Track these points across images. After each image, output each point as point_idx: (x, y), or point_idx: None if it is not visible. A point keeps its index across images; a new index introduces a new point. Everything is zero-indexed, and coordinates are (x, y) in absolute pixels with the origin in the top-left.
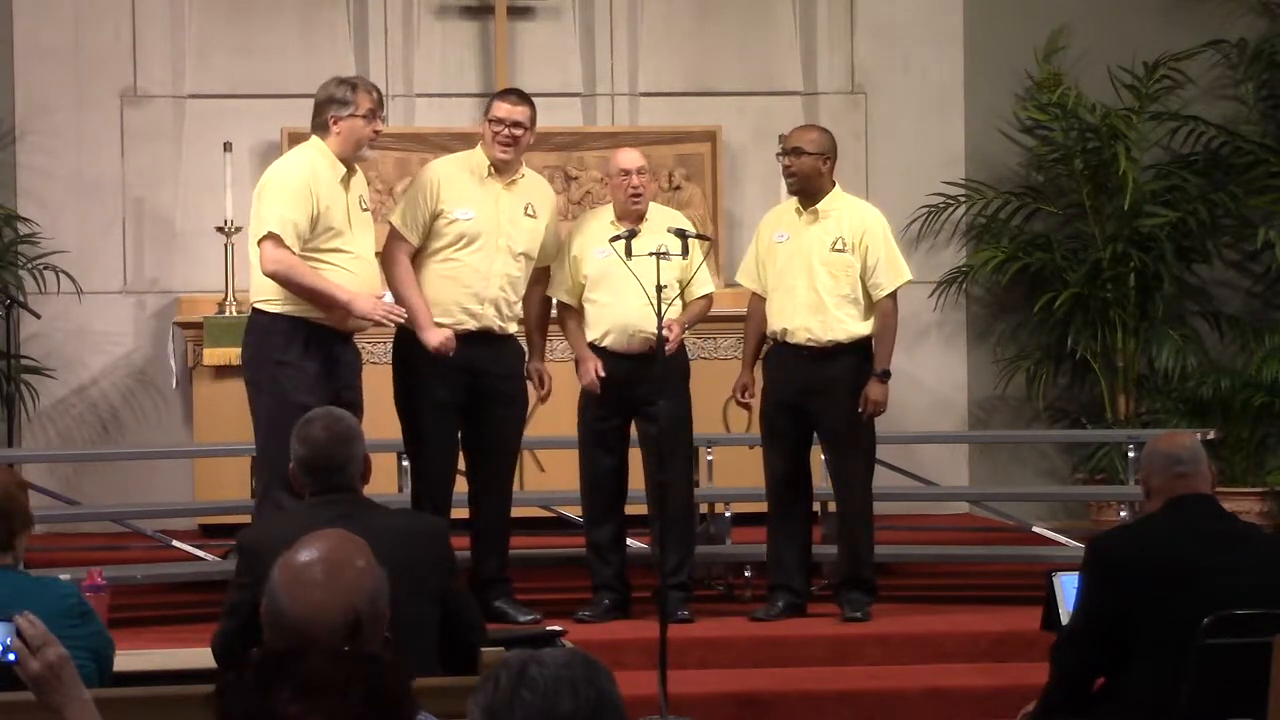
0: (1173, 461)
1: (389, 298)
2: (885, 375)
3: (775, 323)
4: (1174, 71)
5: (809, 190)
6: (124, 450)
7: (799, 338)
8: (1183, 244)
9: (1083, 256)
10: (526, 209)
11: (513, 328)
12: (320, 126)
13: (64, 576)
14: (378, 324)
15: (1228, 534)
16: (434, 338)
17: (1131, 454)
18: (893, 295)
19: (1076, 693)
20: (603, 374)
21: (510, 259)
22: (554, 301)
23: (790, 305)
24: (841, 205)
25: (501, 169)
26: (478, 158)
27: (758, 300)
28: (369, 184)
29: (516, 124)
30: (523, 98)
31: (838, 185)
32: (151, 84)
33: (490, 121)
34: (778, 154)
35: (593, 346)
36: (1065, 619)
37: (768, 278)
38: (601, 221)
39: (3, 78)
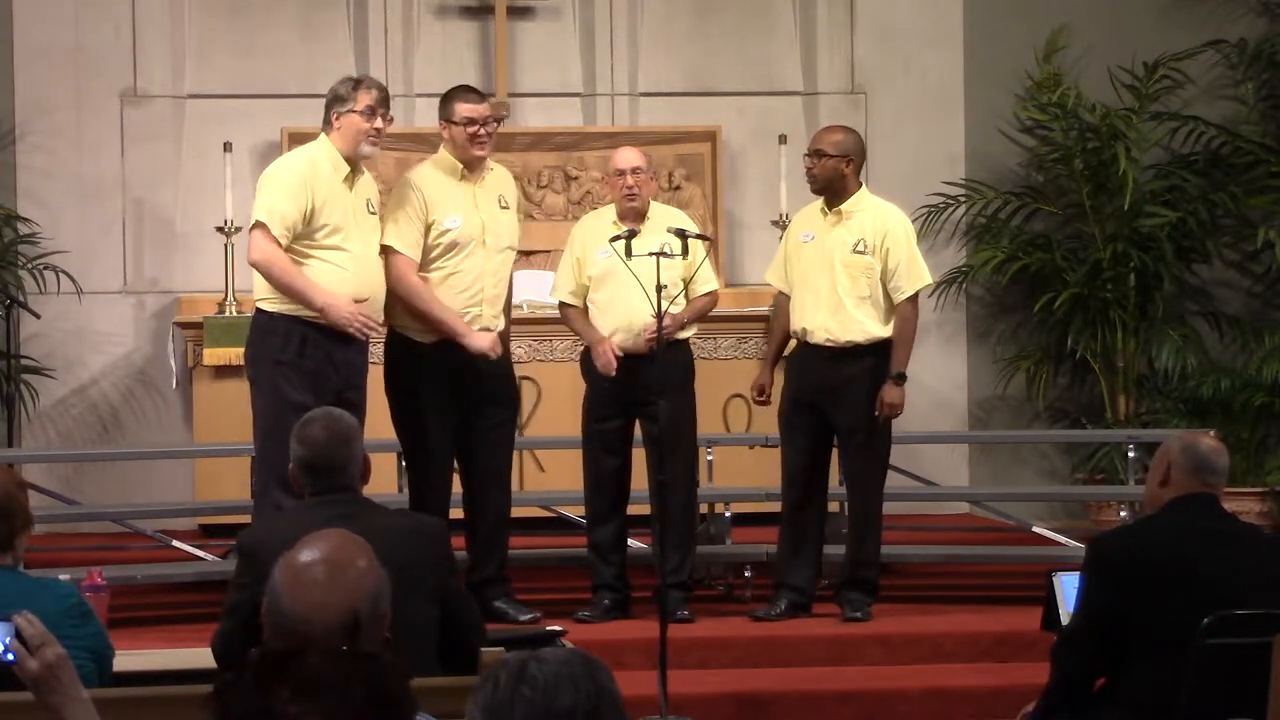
0: (1206, 470)
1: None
2: (901, 378)
3: (796, 322)
4: (1174, 71)
5: (832, 191)
6: (124, 450)
7: (818, 338)
8: (1183, 244)
9: (1083, 256)
10: (500, 201)
11: (501, 324)
12: (326, 124)
13: (64, 576)
14: (351, 333)
15: (1228, 534)
16: (481, 341)
17: (1132, 454)
18: (913, 298)
19: (1077, 693)
20: (620, 352)
21: (497, 255)
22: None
23: (812, 305)
24: (865, 207)
25: (474, 168)
26: (447, 162)
27: (784, 299)
28: None
29: (487, 120)
30: (480, 93)
31: (864, 186)
32: (151, 84)
33: (462, 124)
34: (804, 154)
35: None
36: (1065, 619)
37: (791, 277)
38: (604, 222)
39: (3, 78)
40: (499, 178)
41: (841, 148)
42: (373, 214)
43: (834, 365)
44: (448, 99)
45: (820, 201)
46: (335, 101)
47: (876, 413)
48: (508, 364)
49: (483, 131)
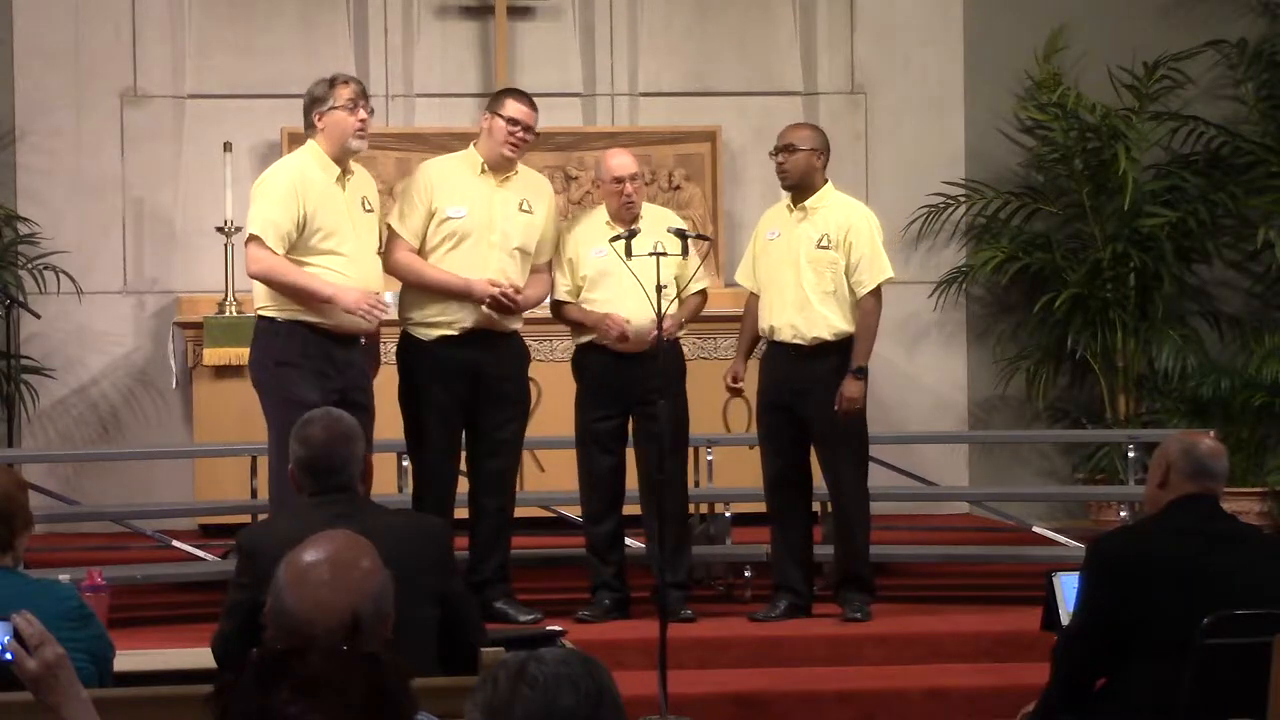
0: (1205, 474)
1: (389, 296)
2: (861, 372)
3: (764, 320)
4: (1174, 71)
5: (802, 187)
6: (124, 450)
7: (785, 335)
8: (1183, 244)
9: (1083, 256)
10: (521, 204)
11: (514, 325)
12: (309, 127)
13: (64, 577)
14: (361, 317)
15: (1228, 534)
16: (483, 287)
17: (1131, 454)
18: (875, 292)
19: (1077, 693)
20: (628, 318)
21: (505, 255)
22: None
23: (778, 302)
24: (830, 202)
25: (497, 166)
26: (470, 156)
27: (753, 299)
28: None
29: (530, 128)
30: (534, 102)
31: (830, 182)
32: (151, 84)
33: (505, 120)
34: (771, 152)
35: (592, 346)
36: (1065, 619)
37: (759, 276)
38: (596, 222)
39: (3, 78)
40: (528, 181)
41: (811, 142)
42: (369, 211)
43: (801, 364)
44: (502, 93)
45: (787, 199)
46: (315, 103)
47: (836, 408)
48: (518, 363)
49: (520, 134)
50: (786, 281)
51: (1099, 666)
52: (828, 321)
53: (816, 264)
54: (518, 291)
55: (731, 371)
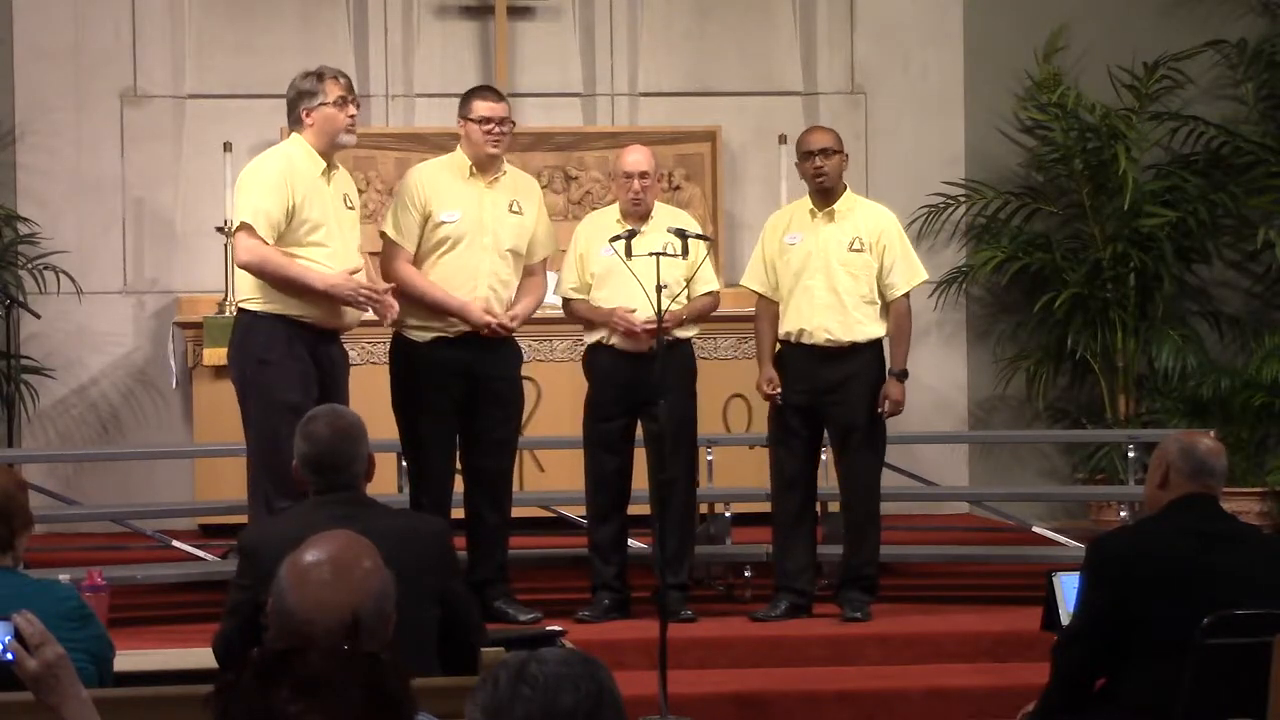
0: (1205, 473)
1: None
2: (903, 375)
3: (791, 324)
4: (1174, 71)
5: (830, 190)
6: (124, 450)
7: (818, 339)
8: (1183, 244)
9: (1083, 256)
10: (511, 205)
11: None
12: (295, 122)
13: (64, 577)
14: (359, 308)
15: (1228, 534)
16: (478, 315)
17: (1131, 454)
18: (906, 295)
19: (1077, 693)
20: (634, 308)
21: (497, 257)
22: (560, 301)
23: (808, 306)
24: (857, 205)
25: (485, 167)
26: (458, 160)
27: (766, 303)
28: (368, 184)
29: (504, 120)
30: (500, 94)
31: (848, 186)
32: (151, 84)
33: (476, 121)
34: (808, 153)
35: (599, 345)
36: (1065, 619)
37: (780, 280)
38: (608, 219)
39: (3, 78)
40: (517, 182)
41: (840, 145)
42: (350, 209)
43: (830, 365)
44: (468, 96)
45: (804, 203)
46: (302, 98)
47: (880, 410)
48: (512, 364)
49: (497, 130)
50: (817, 285)
51: (1099, 666)
52: (862, 326)
53: (850, 267)
54: (512, 319)
55: (766, 378)
